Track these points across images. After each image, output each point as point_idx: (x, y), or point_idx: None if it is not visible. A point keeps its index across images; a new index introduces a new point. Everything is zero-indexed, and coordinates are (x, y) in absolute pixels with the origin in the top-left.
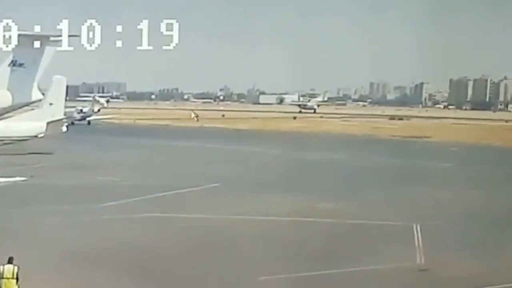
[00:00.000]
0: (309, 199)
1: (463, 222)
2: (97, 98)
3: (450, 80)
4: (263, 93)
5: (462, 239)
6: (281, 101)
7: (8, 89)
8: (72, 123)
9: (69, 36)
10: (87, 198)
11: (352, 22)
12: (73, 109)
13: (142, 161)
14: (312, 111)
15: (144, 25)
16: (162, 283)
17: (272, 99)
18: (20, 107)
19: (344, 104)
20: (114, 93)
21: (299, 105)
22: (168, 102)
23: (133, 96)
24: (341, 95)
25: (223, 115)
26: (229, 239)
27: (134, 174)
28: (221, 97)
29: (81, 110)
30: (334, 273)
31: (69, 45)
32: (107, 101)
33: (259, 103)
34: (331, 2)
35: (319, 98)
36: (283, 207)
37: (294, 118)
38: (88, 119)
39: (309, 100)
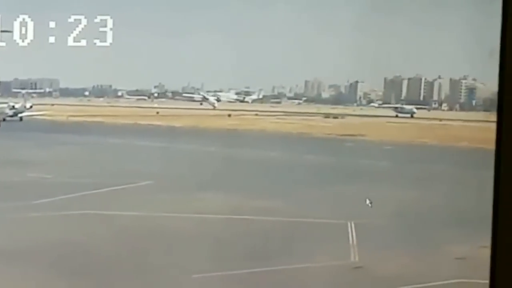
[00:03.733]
0: (244, 197)
1: (397, 220)
2: (206, 96)
3: (385, 79)
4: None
5: (396, 237)
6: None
7: None
8: (4, 120)
9: (1, 31)
10: (17, 195)
11: (286, 19)
12: (5, 105)
13: (75, 158)
14: (409, 115)
15: (77, 21)
16: (95, 281)
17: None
18: None
19: (279, 102)
20: (47, 89)
21: (395, 108)
22: (101, 99)
23: (66, 93)
24: (276, 93)
25: (157, 112)
26: (163, 236)
27: (67, 171)
28: (156, 94)
29: (13, 106)
30: (268, 271)
31: (1, 41)
32: (218, 100)
33: (194, 101)
34: None
35: (254, 96)
36: (218, 205)
37: (229, 115)
38: (20, 115)
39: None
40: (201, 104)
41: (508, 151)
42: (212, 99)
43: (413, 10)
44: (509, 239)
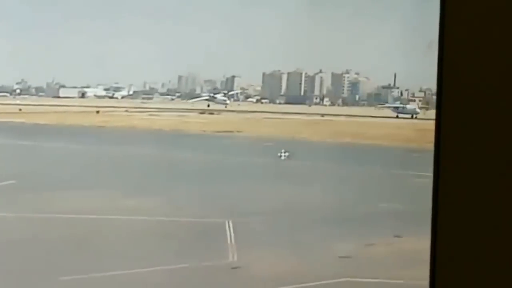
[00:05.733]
0: (114, 196)
1: (278, 219)
2: (214, 95)
3: (263, 74)
4: (63, 86)
5: (277, 237)
6: (83, 94)
7: None
8: None
9: None
10: None
11: (157, 12)
12: None
13: None
14: (410, 116)
15: None
16: None
17: (74, 92)
18: None
19: (151, 98)
20: None
21: (396, 108)
22: None
23: None
24: (147, 88)
25: (20, 109)
26: (26, 238)
27: None
28: (18, 91)
29: None
30: (141, 273)
31: None
32: (228, 98)
33: (59, 97)
34: None
35: (124, 92)
36: (85, 205)
37: (97, 112)
38: None
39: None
40: (208, 106)
41: (447, 149)
42: (220, 97)
43: (291, 4)
44: (448, 239)
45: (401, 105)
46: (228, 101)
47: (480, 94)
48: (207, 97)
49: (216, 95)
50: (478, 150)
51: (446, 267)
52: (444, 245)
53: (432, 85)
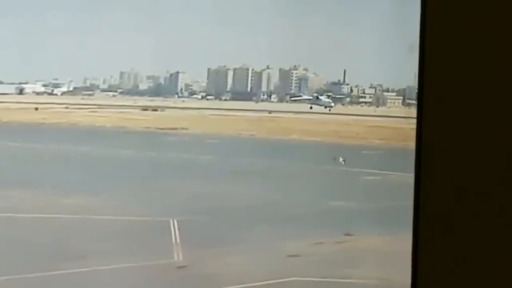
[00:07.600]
0: (54, 195)
1: (224, 216)
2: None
3: (208, 69)
4: (0, 82)
5: (223, 235)
6: (21, 91)
7: None
8: None
9: None
10: None
11: (93, 7)
12: None
13: None
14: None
15: None
16: None
17: (11, 88)
18: None
19: (92, 94)
20: None
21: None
22: None
23: None
24: (88, 84)
25: None
26: None
27: None
28: None
29: None
30: (83, 272)
31: None
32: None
33: None
34: None
35: (64, 88)
36: (25, 203)
37: (36, 109)
38: None
39: None
40: (311, 107)
41: (428, 149)
42: (324, 99)
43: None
44: (430, 238)
45: (315, 96)
46: (332, 104)
47: (461, 94)
48: (310, 98)
49: (320, 97)
50: (459, 150)
51: (427, 268)
52: (426, 245)
53: (382, 81)
